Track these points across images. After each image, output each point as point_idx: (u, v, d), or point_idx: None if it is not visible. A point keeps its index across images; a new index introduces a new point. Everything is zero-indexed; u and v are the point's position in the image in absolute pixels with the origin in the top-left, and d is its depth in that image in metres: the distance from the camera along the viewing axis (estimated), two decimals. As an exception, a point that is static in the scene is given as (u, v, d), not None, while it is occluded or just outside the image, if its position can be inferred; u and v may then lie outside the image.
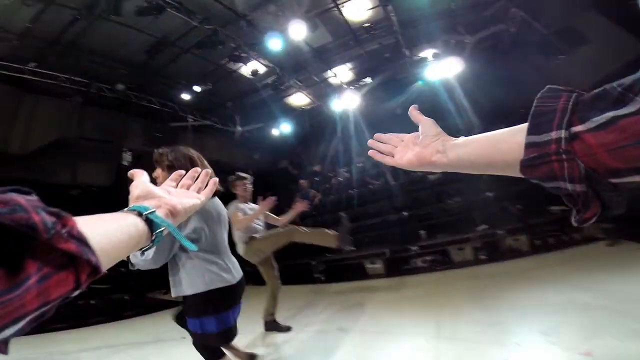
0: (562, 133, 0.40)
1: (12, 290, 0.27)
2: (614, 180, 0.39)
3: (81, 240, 0.33)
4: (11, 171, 6.33)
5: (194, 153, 1.83)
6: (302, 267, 6.75)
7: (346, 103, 9.16)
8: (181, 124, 8.78)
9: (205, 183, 0.73)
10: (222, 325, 1.71)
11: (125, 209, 0.53)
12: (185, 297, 1.71)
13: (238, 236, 3.47)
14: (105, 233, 0.41)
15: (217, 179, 0.74)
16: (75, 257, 0.32)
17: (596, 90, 0.40)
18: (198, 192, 0.70)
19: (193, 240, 1.71)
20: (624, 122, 0.36)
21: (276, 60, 7.49)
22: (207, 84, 8.00)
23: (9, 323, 0.27)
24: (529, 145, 0.44)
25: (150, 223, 0.51)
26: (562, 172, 0.41)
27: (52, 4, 5.09)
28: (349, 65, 8.50)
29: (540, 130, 0.43)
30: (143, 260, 1.66)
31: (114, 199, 8.30)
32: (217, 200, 1.95)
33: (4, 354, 0.30)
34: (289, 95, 9.45)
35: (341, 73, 8.81)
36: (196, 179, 0.73)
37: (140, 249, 0.52)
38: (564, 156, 0.40)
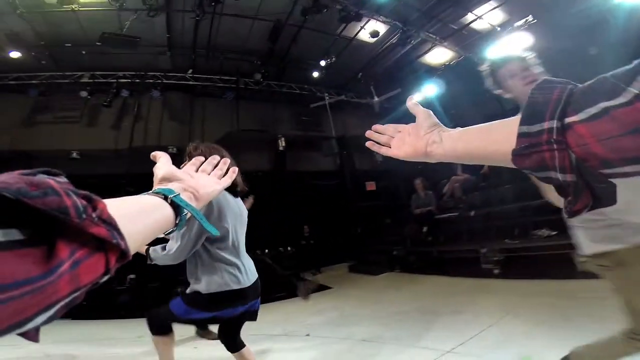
0: (555, 123, 0.40)
1: (46, 277, 0.26)
2: (604, 171, 0.38)
3: (111, 224, 0.33)
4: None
5: (224, 151, 1.78)
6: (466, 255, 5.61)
7: (506, 49, 6.69)
8: (320, 103, 8.82)
9: (224, 171, 0.74)
10: (208, 317, 1.79)
11: (150, 191, 0.54)
12: (196, 292, 1.72)
13: None
14: (132, 217, 0.41)
15: (236, 168, 0.75)
16: (105, 242, 0.32)
17: (590, 82, 0.40)
18: (218, 178, 0.71)
19: (220, 240, 1.74)
20: (615, 112, 0.35)
21: (394, 14, 6.27)
22: (331, 57, 7.63)
23: (43, 310, 0.27)
24: (521, 135, 0.43)
25: (174, 206, 0.51)
26: (552, 161, 0.40)
27: (171, 10, 5.84)
28: (492, 3, 6.16)
29: (533, 120, 0.42)
30: (164, 255, 1.69)
31: (276, 180, 9.02)
32: (239, 199, 1.95)
33: (35, 342, 0.30)
34: (425, 52, 7.83)
35: (487, 15, 6.48)
36: (215, 166, 0.74)
37: (165, 233, 0.51)
38: (555, 146, 0.40)
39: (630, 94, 0.35)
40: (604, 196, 0.41)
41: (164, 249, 1.72)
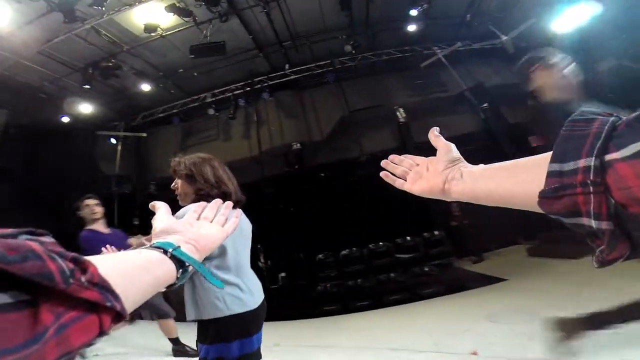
0: (592, 161, 0.35)
1: (30, 345, 0.25)
2: None
3: (103, 286, 0.32)
4: (317, 157, 8.00)
5: (214, 159, 1.66)
6: None
7: None
8: (432, 59, 7.48)
9: (227, 216, 0.70)
10: (242, 351, 1.53)
11: (148, 245, 0.53)
12: (201, 322, 1.55)
13: None
14: (129, 275, 0.40)
15: (240, 211, 0.79)
16: (97, 304, 0.31)
17: (637, 113, 0.35)
18: (221, 225, 0.69)
19: (218, 259, 1.58)
20: None
21: None
22: (422, 3, 6.18)
23: None
24: (551, 175, 0.38)
25: (175, 260, 0.50)
26: (587, 206, 0.35)
27: (238, 10, 5.63)
28: None
29: (567, 157, 0.37)
30: None
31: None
32: (239, 211, 1.74)
33: None
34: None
35: None
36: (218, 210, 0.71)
37: (166, 287, 0.50)
38: (591, 188, 0.34)
39: None
40: None
41: None
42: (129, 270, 0.41)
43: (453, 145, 0.63)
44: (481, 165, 0.56)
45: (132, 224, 7.83)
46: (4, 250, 0.25)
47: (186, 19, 5.65)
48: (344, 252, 6.90)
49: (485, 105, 7.42)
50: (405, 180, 0.69)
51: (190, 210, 0.69)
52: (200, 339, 1.56)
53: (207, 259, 1.57)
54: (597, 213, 0.34)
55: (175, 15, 5.47)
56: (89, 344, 0.32)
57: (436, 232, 6.76)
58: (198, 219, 0.67)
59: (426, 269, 6.22)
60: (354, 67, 7.80)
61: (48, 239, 0.31)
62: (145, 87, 7.11)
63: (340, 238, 7.05)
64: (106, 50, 6.08)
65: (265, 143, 8.12)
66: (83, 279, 0.30)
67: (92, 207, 3.19)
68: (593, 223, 0.35)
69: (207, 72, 7.26)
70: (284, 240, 7.26)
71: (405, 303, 4.89)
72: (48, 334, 0.27)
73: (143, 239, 2.85)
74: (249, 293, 1.60)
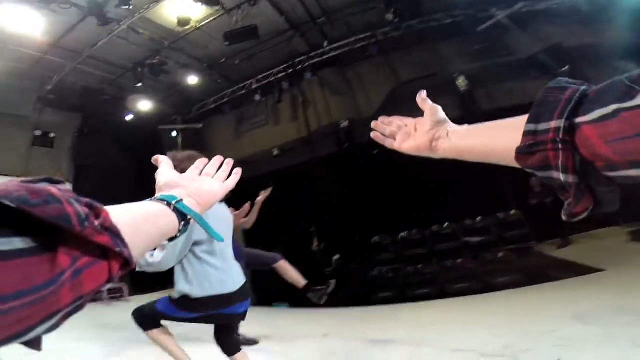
0: (562, 122, 0.39)
1: (48, 286, 0.26)
2: (609, 174, 0.37)
3: (114, 232, 0.33)
4: (368, 134, 7.46)
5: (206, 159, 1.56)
6: None
7: None
8: (491, 22, 6.63)
9: (228, 172, 0.71)
10: (193, 317, 1.83)
11: (153, 198, 0.54)
12: (184, 296, 1.77)
13: None
14: (135, 224, 0.41)
15: (240, 169, 0.72)
16: (107, 249, 0.32)
17: (604, 83, 0.38)
18: (222, 181, 0.69)
19: (206, 245, 1.78)
20: (626, 114, 0.34)
21: None
22: None
23: (45, 319, 0.27)
24: (527, 133, 0.42)
25: (177, 212, 0.51)
26: (556, 161, 0.39)
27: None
28: None
29: (541, 119, 0.41)
30: (149, 265, 1.69)
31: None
32: (223, 203, 1.97)
33: (37, 351, 0.30)
34: None
35: None
36: (219, 168, 0.72)
37: (168, 240, 0.51)
38: (560, 145, 0.39)
39: None
40: (605, 200, 0.40)
41: (151, 256, 1.71)
42: (135, 220, 0.41)
43: (439, 108, 0.66)
44: (465, 125, 0.60)
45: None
46: (28, 193, 0.26)
47: (215, 7, 5.56)
48: (402, 234, 6.36)
49: (566, 68, 6.17)
50: (395, 140, 0.72)
51: (193, 166, 0.69)
52: (177, 305, 1.80)
53: (197, 244, 1.78)
54: (565, 166, 0.38)
55: (205, 6, 5.42)
56: (98, 290, 0.32)
57: (512, 212, 5.78)
58: (200, 174, 0.67)
59: (500, 254, 5.38)
60: (398, 37, 7.12)
61: (64, 187, 0.32)
62: (193, 79, 7.26)
63: (398, 219, 6.49)
64: (149, 48, 6.30)
65: (313, 124, 7.85)
66: (96, 223, 0.30)
67: None
68: (561, 176, 0.39)
69: (248, 59, 7.21)
70: (337, 222, 6.98)
71: (473, 294, 4.28)
72: (65, 277, 0.27)
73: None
74: (231, 277, 1.84)
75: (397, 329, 3.56)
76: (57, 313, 0.28)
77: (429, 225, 6.24)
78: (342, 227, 6.98)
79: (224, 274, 1.81)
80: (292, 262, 3.15)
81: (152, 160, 0.68)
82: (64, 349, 3.16)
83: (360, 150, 7.24)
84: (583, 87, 0.40)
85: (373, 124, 0.76)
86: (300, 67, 7.57)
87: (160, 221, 0.47)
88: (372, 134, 0.76)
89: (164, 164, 0.65)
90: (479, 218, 5.94)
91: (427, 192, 6.29)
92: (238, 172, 0.72)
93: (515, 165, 0.45)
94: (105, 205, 0.35)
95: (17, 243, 0.25)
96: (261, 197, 3.29)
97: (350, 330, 3.43)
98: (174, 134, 8.79)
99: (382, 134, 0.75)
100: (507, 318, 3.27)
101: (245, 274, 3.11)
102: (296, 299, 5.75)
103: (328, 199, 7.23)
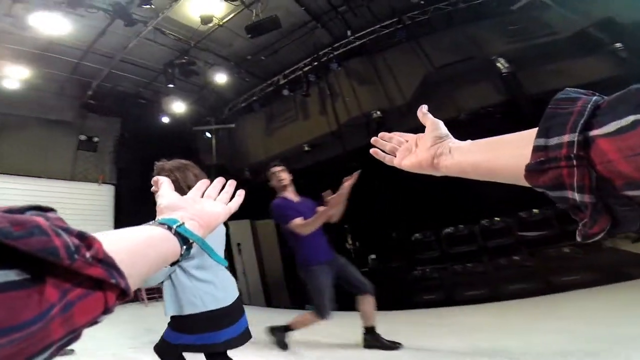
0: (576, 136, 0.35)
1: (35, 322, 0.25)
2: (629, 193, 0.34)
3: (108, 262, 0.32)
4: (402, 123, 7.00)
5: (195, 167, 1.72)
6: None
7: None
8: (523, 1, 6.04)
9: (231, 194, 0.70)
10: (208, 341, 1.67)
11: (153, 221, 0.52)
12: (178, 316, 1.68)
13: None
14: (134, 251, 0.40)
15: (243, 191, 0.70)
16: (102, 281, 0.31)
17: (620, 92, 0.35)
18: (224, 203, 0.68)
19: (191, 258, 1.66)
20: None
21: None
22: None
23: (36, 354, 0.26)
24: (536, 149, 0.39)
25: (179, 236, 0.50)
26: (570, 179, 0.36)
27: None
28: None
29: (551, 133, 0.38)
30: None
31: (513, 111, 6.50)
32: None
33: None
34: None
35: None
36: (221, 190, 0.71)
37: (171, 264, 0.50)
38: (574, 162, 0.35)
39: None
40: (624, 220, 0.36)
41: None
42: (133, 246, 0.40)
43: (441, 122, 0.64)
44: (468, 141, 0.57)
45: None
46: (10, 225, 0.25)
47: (234, 3, 5.50)
48: (447, 230, 5.80)
49: (619, 45, 5.41)
50: (395, 157, 0.70)
51: (195, 187, 0.68)
52: (174, 327, 1.70)
53: (187, 260, 1.65)
54: (580, 186, 0.35)
55: (226, 2, 5.37)
56: (94, 322, 0.32)
57: (577, 202, 5.01)
58: (202, 196, 0.66)
59: (566, 250, 4.65)
60: (426, 21, 6.71)
61: (54, 215, 0.31)
62: (221, 77, 7.25)
63: (442, 214, 5.92)
64: (177, 49, 6.38)
65: (342, 116, 7.50)
66: (88, 255, 0.30)
67: (279, 174, 3.05)
68: (577, 196, 0.35)
69: (274, 55, 7.11)
70: (373, 218, 6.53)
71: (533, 296, 3.69)
72: (54, 311, 0.27)
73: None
74: (223, 291, 1.72)
75: (444, 336, 3.14)
76: (48, 348, 0.27)
77: (477, 219, 5.61)
78: (377, 223, 6.55)
79: (212, 287, 1.70)
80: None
81: (152, 182, 0.67)
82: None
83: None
84: (595, 97, 0.38)
85: (372, 140, 0.75)
86: (325, 58, 7.33)
87: (161, 246, 0.46)
88: (372, 150, 0.75)
89: (164, 186, 0.63)
90: (535, 210, 5.22)
91: (474, 182, 5.63)
92: (241, 194, 0.70)
93: (524, 183, 0.42)
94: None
95: (2, 276, 0.24)
96: (348, 184, 2.80)
97: (394, 337, 3.04)
98: (208, 134, 8.91)
99: (382, 150, 0.73)
100: (574, 321, 2.73)
101: (333, 284, 2.88)
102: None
103: (361, 194, 6.82)
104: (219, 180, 0.69)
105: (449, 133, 0.63)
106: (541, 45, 6.27)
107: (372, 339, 2.99)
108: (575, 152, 0.35)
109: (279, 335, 3.15)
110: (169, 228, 0.49)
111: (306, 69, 7.55)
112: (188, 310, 1.65)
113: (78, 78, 6.29)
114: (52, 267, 0.27)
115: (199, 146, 9.06)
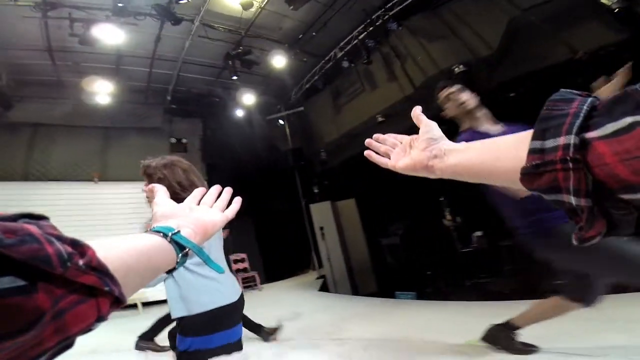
0: (572, 139, 0.35)
1: (27, 330, 0.25)
2: (625, 197, 0.33)
3: (102, 270, 0.32)
4: (494, 75, 5.88)
5: (184, 162, 1.64)
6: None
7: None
8: None
9: (227, 201, 0.69)
10: (222, 342, 1.57)
11: (149, 229, 0.53)
12: (183, 317, 1.55)
13: None
14: (128, 259, 0.39)
15: (240, 199, 0.70)
16: (96, 289, 0.31)
17: (616, 94, 0.35)
18: (221, 210, 0.68)
19: (191, 256, 1.08)
20: None
21: None
22: None
23: None
24: (532, 152, 0.38)
25: (175, 244, 0.50)
26: (566, 183, 0.35)
27: None
28: None
29: (547, 135, 0.37)
30: None
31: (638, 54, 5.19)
32: None
33: None
34: None
35: None
36: (218, 197, 0.70)
37: (166, 272, 0.50)
38: (570, 165, 0.35)
39: None
40: (621, 224, 0.36)
41: None
42: (128, 254, 0.40)
43: (435, 124, 0.64)
44: (463, 143, 0.57)
45: (312, 191, 8.39)
46: (1, 233, 0.25)
47: None
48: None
49: None
50: (389, 159, 0.70)
51: (191, 195, 0.68)
52: (181, 332, 1.56)
53: (191, 259, 1.31)
54: (577, 189, 0.35)
55: None
56: (87, 330, 0.31)
57: None
58: (198, 203, 0.66)
59: None
60: None
61: (46, 222, 0.31)
62: (280, 61, 7.08)
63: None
64: (230, 41, 6.36)
65: (416, 77, 6.63)
66: (81, 262, 0.30)
67: (457, 96, 2.15)
68: (572, 200, 0.35)
69: (323, 29, 6.69)
70: (476, 189, 5.60)
71: None
72: (45, 319, 0.27)
73: None
74: (227, 286, 1.64)
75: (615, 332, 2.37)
76: (40, 356, 0.27)
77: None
78: (481, 194, 5.61)
79: (217, 284, 1.62)
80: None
81: (147, 189, 0.69)
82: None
83: (488, 95, 5.67)
84: (590, 99, 0.37)
85: (367, 142, 0.75)
86: (380, 21, 6.57)
87: (156, 254, 0.45)
88: (366, 152, 0.74)
89: (160, 194, 0.64)
90: None
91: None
92: (238, 201, 0.70)
93: (519, 187, 0.41)
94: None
95: None
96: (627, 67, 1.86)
97: (557, 336, 2.37)
98: (281, 121, 8.97)
99: (376, 152, 0.73)
100: None
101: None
102: (423, 288, 4.89)
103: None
104: (216, 188, 0.70)
105: (444, 135, 0.62)
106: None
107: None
108: (571, 155, 0.34)
109: (505, 336, 2.26)
110: (165, 236, 0.49)
111: (361, 36, 6.94)
112: (197, 308, 1.56)
113: (155, 85, 6.79)
114: (45, 274, 0.27)
115: (274, 134, 9.21)
